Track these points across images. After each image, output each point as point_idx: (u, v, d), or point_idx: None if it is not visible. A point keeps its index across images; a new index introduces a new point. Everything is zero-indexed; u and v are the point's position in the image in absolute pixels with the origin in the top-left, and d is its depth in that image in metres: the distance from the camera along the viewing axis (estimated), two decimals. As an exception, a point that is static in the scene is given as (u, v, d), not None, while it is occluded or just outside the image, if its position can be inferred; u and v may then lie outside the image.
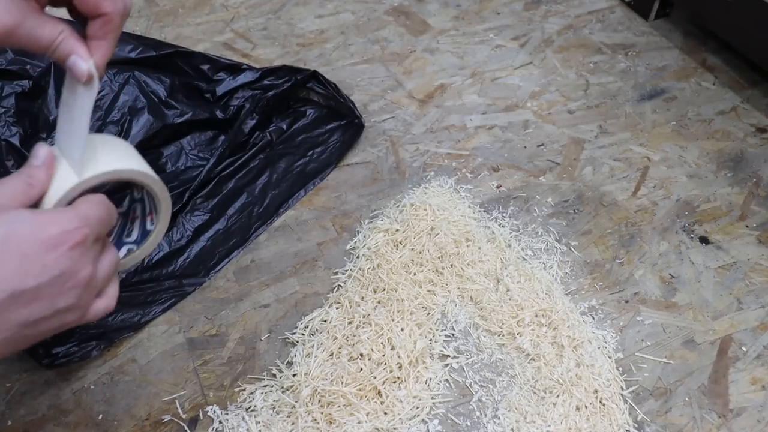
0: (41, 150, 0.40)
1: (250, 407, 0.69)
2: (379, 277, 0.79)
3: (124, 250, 0.47)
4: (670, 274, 0.82)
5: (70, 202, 0.40)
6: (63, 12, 0.42)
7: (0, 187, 0.38)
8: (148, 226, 0.48)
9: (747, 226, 0.88)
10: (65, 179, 0.40)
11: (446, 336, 0.75)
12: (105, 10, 0.39)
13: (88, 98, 0.41)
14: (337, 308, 0.77)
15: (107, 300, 0.42)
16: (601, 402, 0.68)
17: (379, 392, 0.69)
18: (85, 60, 0.40)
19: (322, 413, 0.67)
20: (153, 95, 0.91)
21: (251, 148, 0.94)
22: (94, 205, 0.39)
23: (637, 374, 0.72)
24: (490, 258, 0.82)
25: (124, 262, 0.47)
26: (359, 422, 0.66)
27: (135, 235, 0.48)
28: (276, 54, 1.19)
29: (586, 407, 0.68)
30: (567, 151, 0.99)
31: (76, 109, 0.42)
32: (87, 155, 0.41)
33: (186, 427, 0.68)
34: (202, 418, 0.69)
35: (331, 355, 0.72)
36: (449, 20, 1.28)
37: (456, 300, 0.78)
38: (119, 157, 0.43)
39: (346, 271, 0.82)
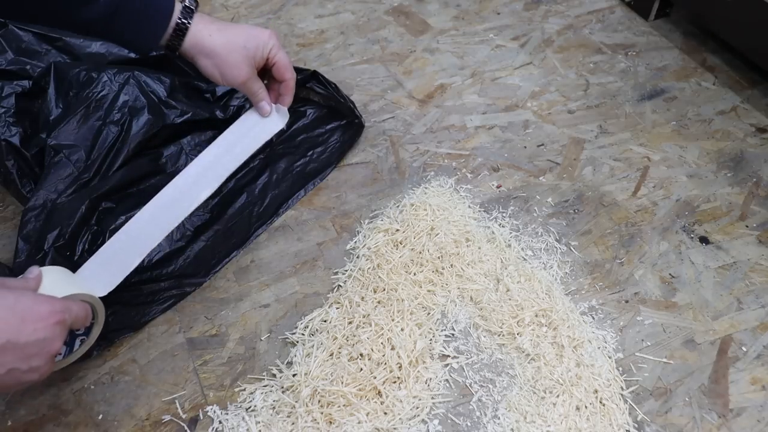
0: (34, 270, 0.58)
1: (250, 407, 0.69)
2: (379, 277, 0.79)
3: (78, 341, 0.63)
4: (670, 274, 0.82)
5: None
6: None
7: (9, 281, 0.55)
8: (76, 345, 0.63)
9: (747, 226, 0.88)
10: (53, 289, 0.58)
11: (446, 336, 0.75)
12: (287, 77, 0.72)
13: (270, 129, 0.75)
14: (337, 308, 0.77)
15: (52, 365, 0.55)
16: (601, 402, 0.68)
17: (379, 392, 0.69)
18: (269, 104, 0.74)
19: (322, 413, 0.67)
20: (153, 95, 0.91)
21: (251, 148, 0.94)
22: (77, 305, 0.56)
23: (637, 374, 0.72)
24: (490, 258, 0.82)
25: (78, 352, 0.63)
26: (359, 422, 0.66)
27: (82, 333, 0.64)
28: (276, 54, 1.19)
29: (586, 407, 0.68)
30: (567, 151, 0.99)
31: (255, 134, 0.74)
32: (69, 280, 0.61)
33: (186, 427, 0.68)
34: (202, 418, 0.69)
35: (331, 355, 0.72)
36: (449, 20, 1.28)
37: (456, 300, 0.78)
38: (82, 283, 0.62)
39: (346, 271, 0.82)
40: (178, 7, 0.64)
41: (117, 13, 0.62)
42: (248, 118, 0.74)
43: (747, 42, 1.07)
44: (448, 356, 0.74)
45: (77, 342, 0.63)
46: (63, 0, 0.61)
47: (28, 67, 0.91)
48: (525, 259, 0.83)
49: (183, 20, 0.64)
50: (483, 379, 0.72)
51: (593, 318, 0.77)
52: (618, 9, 1.30)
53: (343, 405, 0.68)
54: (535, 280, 0.79)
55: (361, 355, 0.71)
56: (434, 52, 1.19)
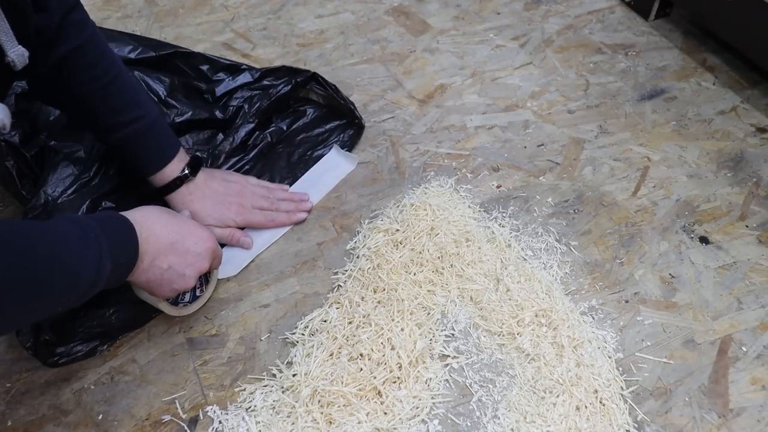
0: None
1: (250, 407, 0.69)
2: (379, 277, 0.79)
3: (188, 296, 0.77)
4: (670, 274, 0.82)
5: None
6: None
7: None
8: (197, 293, 0.78)
9: (747, 226, 0.88)
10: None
11: (446, 336, 0.75)
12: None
13: (344, 168, 0.96)
14: (337, 308, 0.77)
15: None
16: (601, 402, 0.68)
17: (379, 392, 0.69)
18: (252, 241, 0.86)
19: (322, 413, 0.67)
20: (153, 95, 0.91)
21: (251, 149, 0.94)
22: (220, 249, 0.74)
23: (637, 374, 0.72)
24: (490, 258, 0.82)
25: (195, 304, 0.78)
26: (359, 422, 0.66)
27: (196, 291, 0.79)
28: (276, 54, 1.19)
29: (586, 407, 0.68)
30: (567, 151, 0.99)
31: (334, 174, 0.95)
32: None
33: (186, 427, 0.68)
34: (202, 418, 0.69)
35: (331, 355, 0.72)
36: (449, 20, 1.28)
37: (456, 300, 0.78)
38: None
39: (346, 271, 0.82)
40: (179, 166, 0.78)
41: (137, 139, 0.75)
42: (328, 160, 0.96)
43: (747, 42, 1.07)
44: (448, 356, 0.74)
45: (187, 297, 0.76)
46: (108, 118, 0.74)
47: (28, 67, 0.91)
48: (525, 259, 0.83)
49: (180, 178, 0.78)
50: (483, 379, 0.72)
51: (593, 318, 0.77)
52: (618, 9, 1.30)
53: (343, 405, 0.68)
54: (535, 280, 0.80)
55: (361, 355, 0.71)
56: (434, 52, 1.19)
